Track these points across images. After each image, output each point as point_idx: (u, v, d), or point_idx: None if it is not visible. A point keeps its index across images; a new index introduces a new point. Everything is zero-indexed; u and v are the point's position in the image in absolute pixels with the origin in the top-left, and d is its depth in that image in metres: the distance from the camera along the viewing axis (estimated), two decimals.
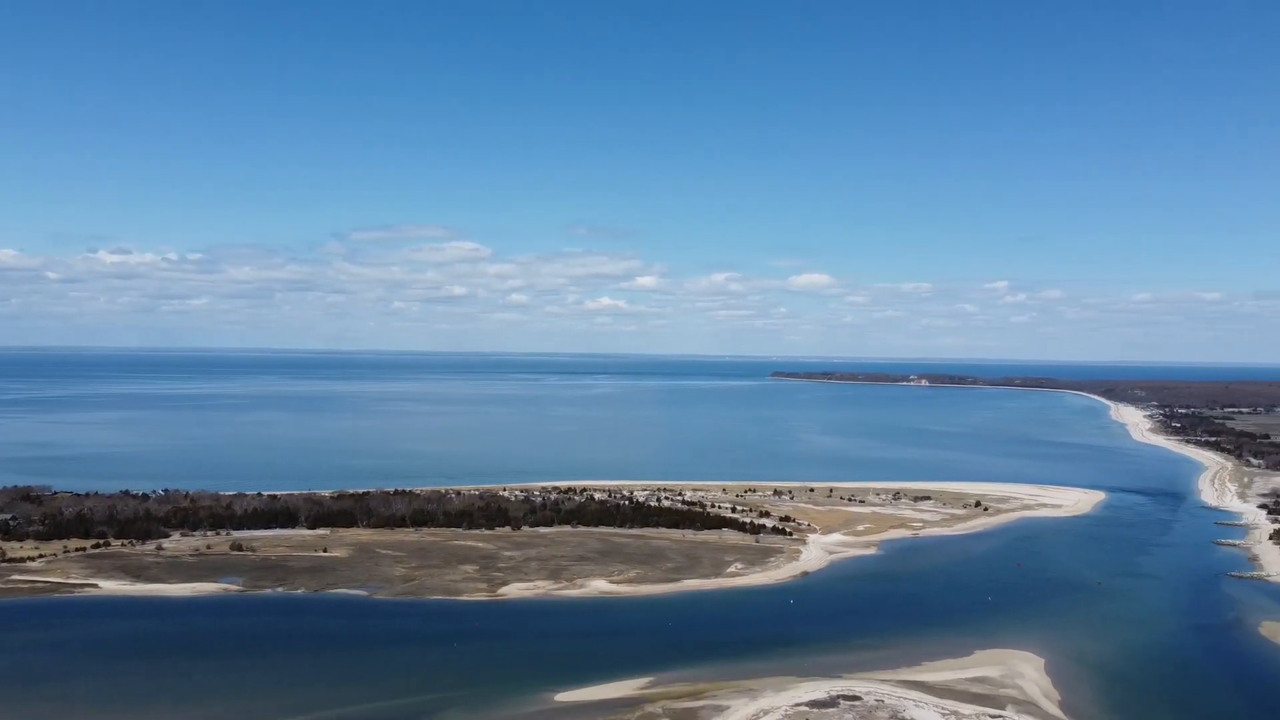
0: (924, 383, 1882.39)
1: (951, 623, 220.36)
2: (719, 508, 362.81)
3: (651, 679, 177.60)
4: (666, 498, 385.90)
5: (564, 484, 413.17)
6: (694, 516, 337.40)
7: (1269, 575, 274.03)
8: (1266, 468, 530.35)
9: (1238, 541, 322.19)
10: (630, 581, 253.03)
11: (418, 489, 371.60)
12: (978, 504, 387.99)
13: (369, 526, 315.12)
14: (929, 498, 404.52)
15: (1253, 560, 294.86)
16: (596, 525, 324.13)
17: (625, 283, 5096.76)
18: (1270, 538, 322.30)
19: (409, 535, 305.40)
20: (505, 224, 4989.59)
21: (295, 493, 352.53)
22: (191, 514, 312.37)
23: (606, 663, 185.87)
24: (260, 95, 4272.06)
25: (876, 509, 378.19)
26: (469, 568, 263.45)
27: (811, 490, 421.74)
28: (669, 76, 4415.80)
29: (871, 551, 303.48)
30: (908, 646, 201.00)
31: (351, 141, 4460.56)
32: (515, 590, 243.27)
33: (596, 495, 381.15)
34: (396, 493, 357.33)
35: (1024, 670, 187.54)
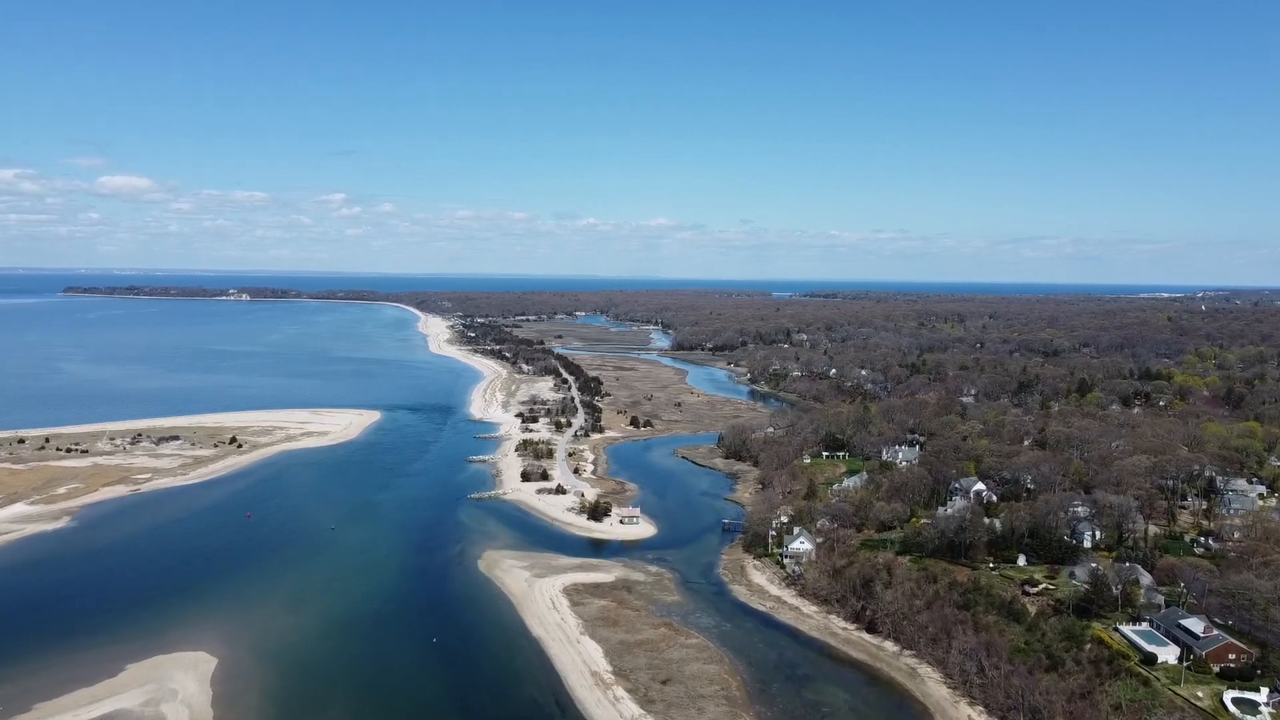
0: (244, 297, 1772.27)
1: (114, 625, 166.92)
2: None
3: None
4: None
5: None
6: None
7: (504, 492, 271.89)
8: (534, 373, 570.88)
9: (488, 457, 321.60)
10: None
11: None
12: (233, 440, 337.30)
13: None
14: (178, 437, 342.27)
15: (496, 476, 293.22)
16: None
17: None
18: (516, 449, 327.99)
19: None
20: None
21: None
22: None
23: None
24: None
25: (100, 460, 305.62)
26: None
27: (22, 441, 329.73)
28: None
29: (60, 525, 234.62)
30: (28, 679, 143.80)
31: None
32: None
33: None
34: None
35: (182, 685, 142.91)
